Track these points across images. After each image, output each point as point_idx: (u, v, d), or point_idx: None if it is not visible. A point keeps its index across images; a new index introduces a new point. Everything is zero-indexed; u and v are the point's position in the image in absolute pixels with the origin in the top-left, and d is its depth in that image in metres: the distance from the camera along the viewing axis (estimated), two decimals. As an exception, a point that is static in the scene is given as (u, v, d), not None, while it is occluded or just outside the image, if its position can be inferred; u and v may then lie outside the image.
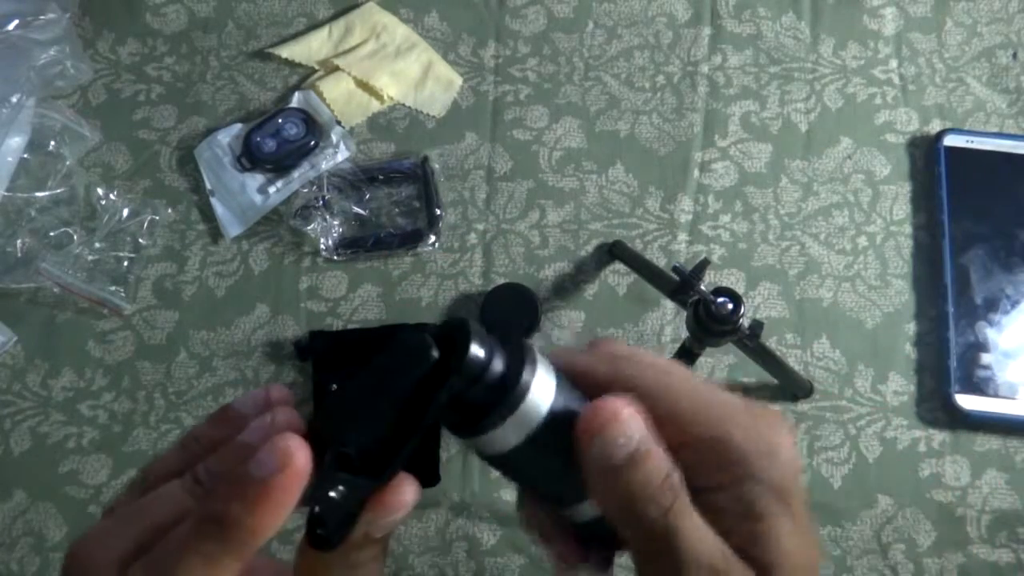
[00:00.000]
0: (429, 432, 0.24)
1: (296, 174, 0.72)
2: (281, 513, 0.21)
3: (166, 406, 0.68)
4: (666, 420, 0.24)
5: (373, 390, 0.24)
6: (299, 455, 0.21)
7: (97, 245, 0.70)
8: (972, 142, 0.72)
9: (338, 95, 0.75)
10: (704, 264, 0.56)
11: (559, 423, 0.24)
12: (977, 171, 0.71)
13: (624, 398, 0.23)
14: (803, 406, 0.67)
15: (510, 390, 0.24)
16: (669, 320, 0.69)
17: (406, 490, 0.24)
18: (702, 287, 0.54)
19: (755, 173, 0.73)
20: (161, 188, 0.74)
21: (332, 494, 0.23)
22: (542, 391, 0.24)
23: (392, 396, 0.24)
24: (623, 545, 0.25)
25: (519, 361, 0.24)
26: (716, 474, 0.23)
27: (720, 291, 0.54)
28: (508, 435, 0.24)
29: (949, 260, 0.69)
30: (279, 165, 0.72)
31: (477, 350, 0.24)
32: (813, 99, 0.75)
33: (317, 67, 0.77)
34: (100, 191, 0.71)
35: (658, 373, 0.25)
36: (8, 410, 0.68)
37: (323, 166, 0.72)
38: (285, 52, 0.76)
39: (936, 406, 0.67)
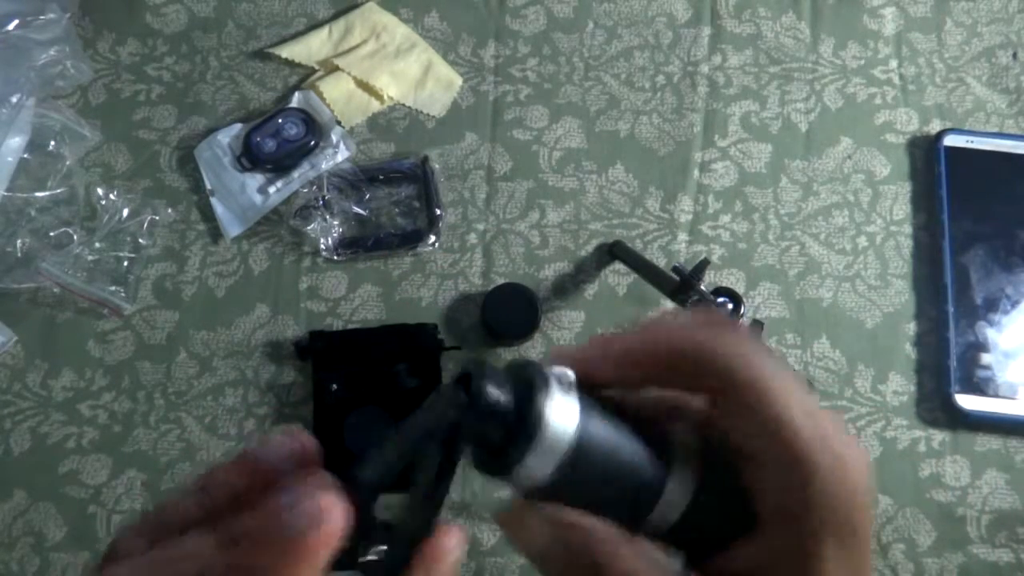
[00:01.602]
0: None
1: (296, 174, 0.72)
2: (313, 573, 0.21)
3: (166, 406, 0.68)
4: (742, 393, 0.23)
5: (408, 441, 0.23)
6: (336, 512, 0.21)
7: (97, 245, 0.70)
8: (972, 142, 0.72)
9: (338, 95, 0.75)
10: (704, 264, 0.56)
11: (596, 444, 0.24)
12: (977, 171, 0.71)
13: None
14: (803, 406, 0.67)
15: (522, 422, 0.23)
16: (669, 320, 0.69)
17: (450, 537, 0.23)
18: (702, 287, 0.54)
19: (755, 173, 0.73)
20: (161, 188, 0.74)
21: (373, 557, 0.22)
22: (562, 416, 0.24)
23: (429, 445, 0.23)
24: (711, 546, 0.25)
25: (528, 391, 0.24)
26: (775, 470, 0.23)
27: (720, 291, 0.54)
28: (537, 467, 0.23)
29: (949, 260, 0.69)
30: (279, 165, 0.72)
31: (491, 387, 0.23)
32: (813, 99, 0.75)
33: (317, 67, 0.77)
34: (100, 191, 0.71)
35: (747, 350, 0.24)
36: (8, 410, 0.68)
37: (323, 166, 0.72)
38: (285, 52, 0.76)
39: (936, 406, 0.67)
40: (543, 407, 0.23)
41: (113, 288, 0.69)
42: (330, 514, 0.21)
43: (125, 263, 0.70)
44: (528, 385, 0.24)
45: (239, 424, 0.68)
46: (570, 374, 0.25)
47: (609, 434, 0.24)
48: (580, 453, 0.24)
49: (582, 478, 0.24)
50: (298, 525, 0.21)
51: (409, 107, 0.76)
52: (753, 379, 0.23)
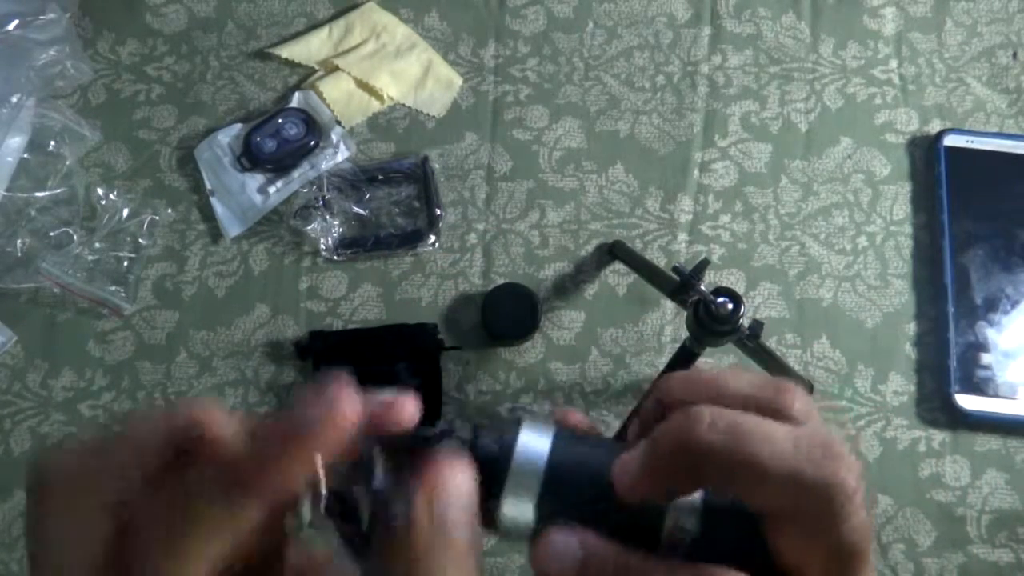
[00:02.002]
0: None
1: (296, 174, 0.72)
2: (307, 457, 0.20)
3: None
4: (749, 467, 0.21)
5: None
6: (349, 400, 0.21)
7: (97, 245, 0.70)
8: (972, 142, 0.72)
9: (338, 95, 0.75)
10: (704, 264, 0.56)
11: (571, 469, 0.24)
12: (977, 171, 0.71)
13: None
14: (803, 406, 0.67)
15: (494, 463, 0.24)
16: (669, 320, 0.69)
17: (451, 465, 0.22)
18: (702, 287, 0.54)
19: (755, 173, 0.73)
20: (161, 188, 0.74)
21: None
22: (529, 455, 0.24)
23: None
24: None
25: (497, 433, 0.24)
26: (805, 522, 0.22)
27: (720, 291, 0.54)
28: (516, 509, 0.24)
29: (949, 260, 0.69)
30: (279, 165, 0.72)
31: (460, 429, 0.24)
32: (813, 99, 0.75)
33: (317, 67, 0.77)
34: (100, 191, 0.71)
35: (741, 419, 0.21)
36: (8, 410, 0.68)
37: (323, 166, 0.72)
38: (285, 52, 0.76)
39: (936, 406, 0.67)
40: (511, 448, 0.24)
41: (113, 288, 0.69)
42: (341, 400, 0.20)
43: (125, 263, 0.70)
44: (497, 431, 0.24)
45: (239, 424, 0.67)
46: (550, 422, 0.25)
47: (586, 456, 0.24)
48: (555, 479, 0.23)
49: (568, 507, 0.23)
50: (311, 413, 0.20)
51: (409, 107, 0.76)
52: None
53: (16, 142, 0.71)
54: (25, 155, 0.72)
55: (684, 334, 0.59)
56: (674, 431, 0.22)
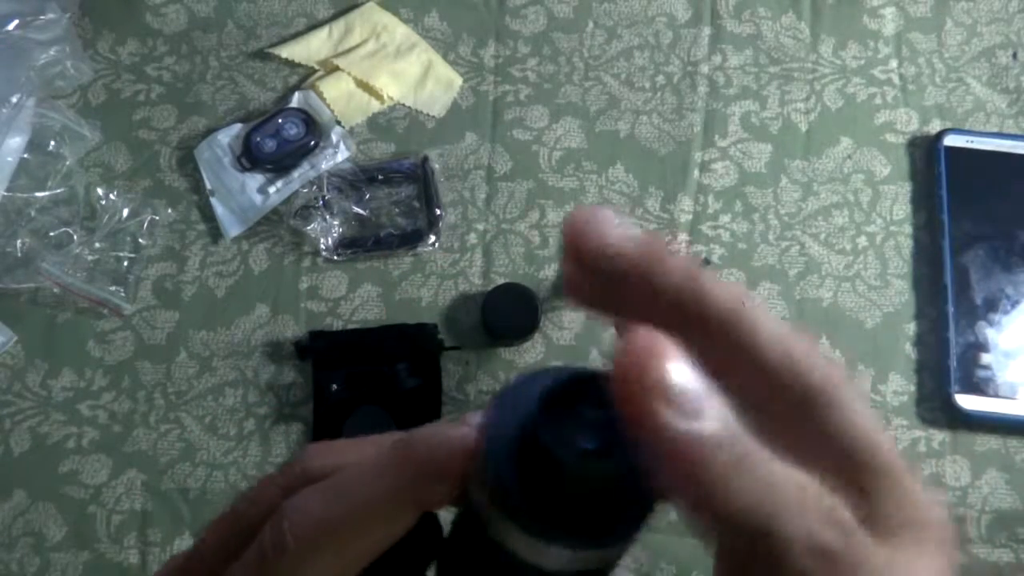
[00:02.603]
0: None
1: (296, 174, 0.72)
2: None
3: (166, 406, 0.68)
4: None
5: None
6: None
7: (97, 245, 0.70)
8: (972, 142, 0.72)
9: (338, 95, 0.75)
10: (704, 264, 0.56)
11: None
12: (977, 171, 0.71)
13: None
14: (803, 406, 0.67)
15: None
16: (669, 320, 0.69)
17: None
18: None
19: (755, 173, 0.73)
20: (161, 188, 0.74)
21: None
22: None
23: None
24: None
25: None
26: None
27: (720, 291, 0.54)
28: None
29: (949, 260, 0.69)
30: (279, 165, 0.72)
31: None
32: (813, 99, 0.75)
33: (317, 67, 0.77)
34: (100, 191, 0.71)
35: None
36: (8, 410, 0.68)
37: (323, 166, 0.72)
38: (285, 52, 0.76)
39: (936, 406, 0.67)
40: None
41: (113, 288, 0.69)
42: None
43: (125, 263, 0.70)
44: None
45: (239, 424, 0.68)
46: None
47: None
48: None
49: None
50: None
51: (409, 107, 0.76)
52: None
53: (16, 142, 0.71)
54: (25, 155, 0.72)
55: (684, 334, 0.59)
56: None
